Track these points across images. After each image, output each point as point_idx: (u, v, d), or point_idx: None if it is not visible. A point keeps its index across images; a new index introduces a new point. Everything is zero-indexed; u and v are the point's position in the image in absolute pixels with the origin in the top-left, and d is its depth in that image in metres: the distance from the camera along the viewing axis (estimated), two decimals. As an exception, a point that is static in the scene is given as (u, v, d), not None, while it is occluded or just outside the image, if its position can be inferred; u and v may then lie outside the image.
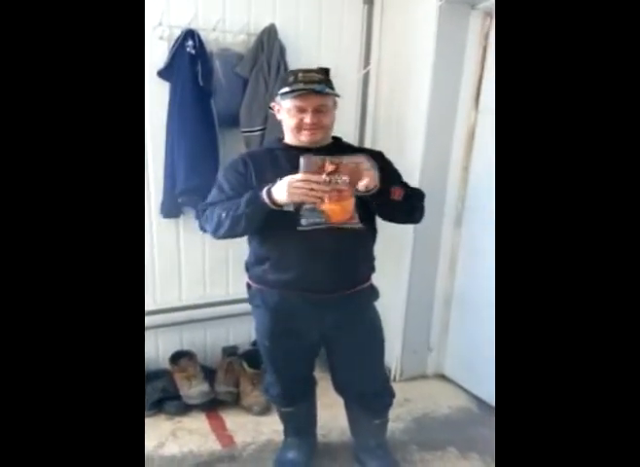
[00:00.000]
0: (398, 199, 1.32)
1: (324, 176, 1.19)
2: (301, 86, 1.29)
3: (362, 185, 1.22)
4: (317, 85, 1.29)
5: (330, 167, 1.20)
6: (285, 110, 1.34)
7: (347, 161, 1.22)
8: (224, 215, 1.31)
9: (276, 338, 1.47)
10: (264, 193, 1.25)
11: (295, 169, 1.27)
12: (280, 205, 1.25)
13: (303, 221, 1.31)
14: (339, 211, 1.23)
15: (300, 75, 1.32)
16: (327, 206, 1.22)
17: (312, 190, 1.19)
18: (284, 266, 1.36)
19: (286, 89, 1.31)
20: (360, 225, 1.32)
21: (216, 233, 1.36)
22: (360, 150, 1.49)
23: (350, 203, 1.24)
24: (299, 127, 1.33)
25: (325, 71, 1.36)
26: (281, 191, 1.22)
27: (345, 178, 1.21)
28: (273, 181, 1.28)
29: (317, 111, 1.31)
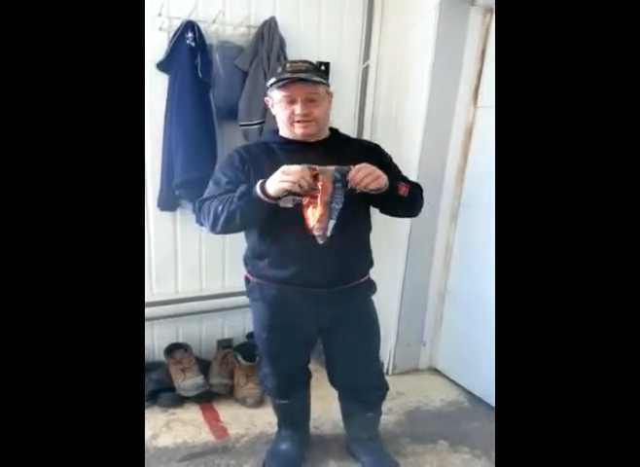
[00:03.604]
0: (404, 195, 1.33)
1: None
2: (287, 75, 1.28)
3: (374, 186, 1.23)
4: (304, 73, 1.28)
5: (312, 172, 1.20)
6: (276, 102, 1.33)
7: (330, 170, 1.20)
8: (220, 209, 1.28)
9: (274, 330, 1.48)
10: (257, 185, 1.24)
11: (289, 162, 1.26)
12: (273, 198, 1.23)
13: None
14: (308, 216, 1.23)
15: (287, 65, 1.31)
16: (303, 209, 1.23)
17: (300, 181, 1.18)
18: (283, 262, 1.36)
19: (273, 80, 1.30)
20: (321, 242, 1.23)
21: (214, 229, 1.33)
22: (357, 141, 1.48)
23: (314, 213, 1.21)
24: (291, 120, 1.32)
25: (325, 66, 1.35)
26: (272, 181, 1.21)
27: (319, 185, 1.20)
28: (269, 175, 1.27)
29: (308, 101, 1.30)
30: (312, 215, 1.22)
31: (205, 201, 1.36)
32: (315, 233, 1.22)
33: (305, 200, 1.23)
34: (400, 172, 1.47)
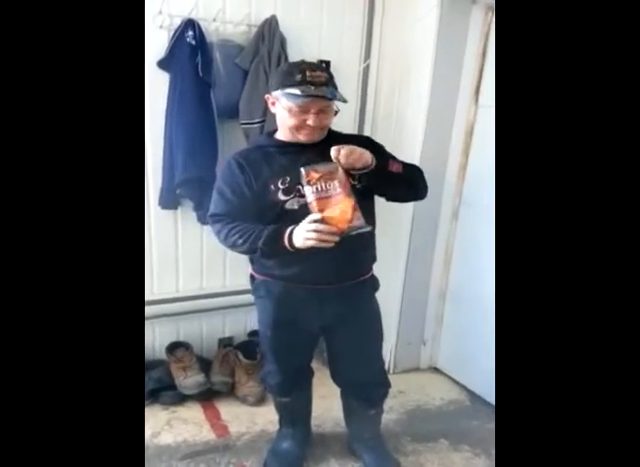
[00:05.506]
0: (397, 172, 1.32)
1: (307, 187, 1.19)
2: (311, 89, 1.23)
3: (360, 164, 1.23)
4: (326, 87, 1.25)
5: (314, 177, 1.19)
6: (285, 108, 1.29)
7: (330, 167, 1.20)
8: (240, 241, 1.30)
9: (279, 328, 1.48)
10: (285, 237, 1.24)
11: (290, 165, 1.27)
12: (298, 249, 1.24)
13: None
14: (338, 216, 1.21)
15: (307, 74, 1.23)
16: (325, 215, 1.20)
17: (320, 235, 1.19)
18: (290, 261, 1.35)
19: (295, 92, 1.23)
20: (369, 228, 1.25)
21: (231, 249, 1.38)
22: (349, 136, 1.47)
23: (347, 206, 1.21)
24: (299, 128, 1.30)
25: (326, 64, 1.34)
26: (298, 236, 1.22)
27: (335, 183, 1.20)
28: (272, 180, 1.29)
29: (321, 112, 1.28)
30: (338, 211, 1.20)
31: (219, 221, 1.37)
32: (356, 222, 1.21)
33: (315, 206, 1.20)
34: (393, 157, 1.45)
